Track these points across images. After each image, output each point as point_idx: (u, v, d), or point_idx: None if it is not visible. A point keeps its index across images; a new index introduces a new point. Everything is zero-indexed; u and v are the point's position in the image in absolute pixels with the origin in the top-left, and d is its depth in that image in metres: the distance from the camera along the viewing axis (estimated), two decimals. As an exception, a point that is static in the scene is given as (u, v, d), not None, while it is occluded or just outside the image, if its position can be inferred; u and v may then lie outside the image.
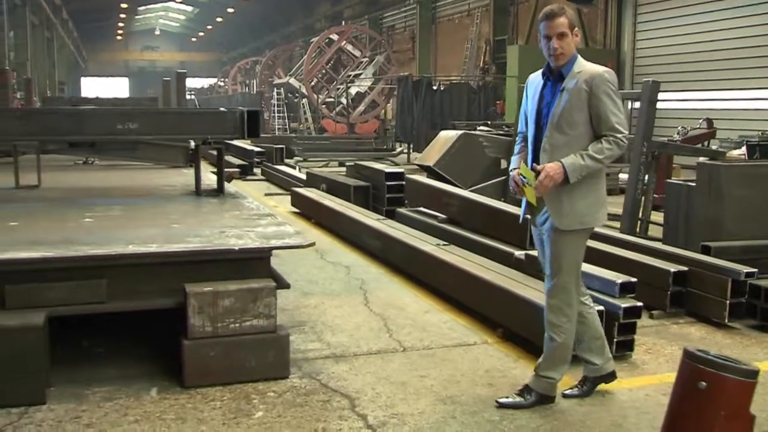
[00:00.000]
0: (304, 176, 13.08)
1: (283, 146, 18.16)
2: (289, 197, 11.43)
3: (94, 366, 4.42)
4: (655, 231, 7.97)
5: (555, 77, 3.86)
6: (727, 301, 5.32)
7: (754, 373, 2.46)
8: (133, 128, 5.91)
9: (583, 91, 3.73)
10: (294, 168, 15.81)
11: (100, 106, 11.07)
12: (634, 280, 4.88)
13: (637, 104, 18.03)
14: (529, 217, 4.07)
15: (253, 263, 4.41)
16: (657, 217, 8.26)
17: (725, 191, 6.46)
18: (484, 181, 10.37)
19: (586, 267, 5.13)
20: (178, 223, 5.08)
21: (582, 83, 3.74)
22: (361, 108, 29.59)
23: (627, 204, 7.84)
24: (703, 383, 2.39)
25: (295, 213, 10.62)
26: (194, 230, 4.76)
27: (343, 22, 39.85)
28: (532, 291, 4.94)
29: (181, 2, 63.36)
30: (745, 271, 5.33)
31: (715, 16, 17.18)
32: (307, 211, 10.36)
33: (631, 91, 16.26)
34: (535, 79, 3.99)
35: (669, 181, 7.54)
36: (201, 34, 76.18)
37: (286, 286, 4.64)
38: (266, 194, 13.08)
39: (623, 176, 12.64)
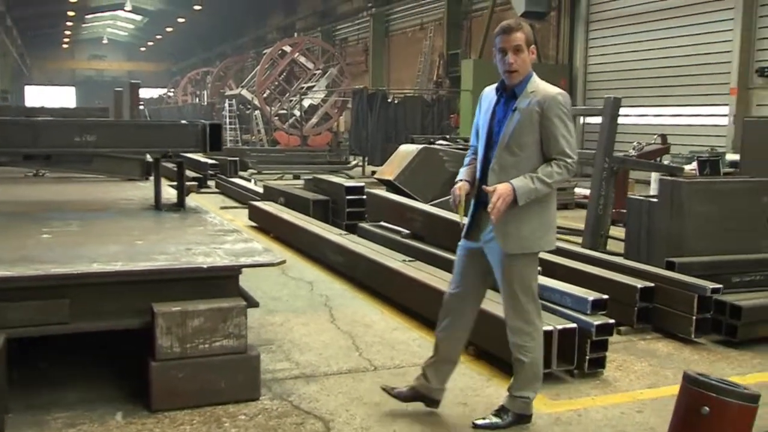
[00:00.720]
0: (260, 189, 12.93)
1: (237, 159, 17.94)
2: (245, 210, 11.27)
3: (55, 389, 4.24)
4: (613, 245, 8.03)
5: (508, 94, 3.80)
6: (694, 317, 5.36)
7: (756, 398, 2.44)
8: (91, 141, 5.69)
9: (534, 113, 3.68)
10: (249, 181, 15.64)
11: (54, 117, 10.72)
12: (605, 296, 4.88)
13: (589, 119, 18.38)
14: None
15: (222, 282, 4.28)
16: (615, 231, 8.35)
17: (686, 207, 6.53)
18: (444, 196, 10.31)
19: (557, 284, 5.16)
20: (141, 239, 4.91)
21: (534, 104, 3.68)
22: (314, 120, 29.49)
23: (589, 219, 7.89)
24: (707, 408, 2.36)
25: (252, 227, 10.46)
26: (159, 247, 4.61)
27: (296, 34, 39.67)
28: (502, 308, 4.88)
29: (130, 11, 62.33)
30: (710, 287, 5.38)
31: (665, 33, 17.53)
32: (266, 225, 10.21)
33: (590, 108, 16.48)
34: (490, 93, 3.92)
35: (630, 196, 7.61)
36: (150, 43, 75.07)
37: (255, 304, 4.53)
38: (222, 207, 12.87)
39: (579, 191, 12.80)
